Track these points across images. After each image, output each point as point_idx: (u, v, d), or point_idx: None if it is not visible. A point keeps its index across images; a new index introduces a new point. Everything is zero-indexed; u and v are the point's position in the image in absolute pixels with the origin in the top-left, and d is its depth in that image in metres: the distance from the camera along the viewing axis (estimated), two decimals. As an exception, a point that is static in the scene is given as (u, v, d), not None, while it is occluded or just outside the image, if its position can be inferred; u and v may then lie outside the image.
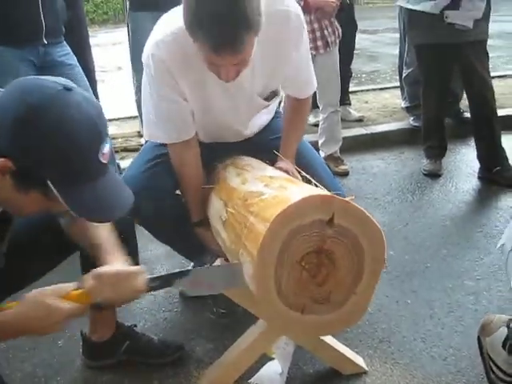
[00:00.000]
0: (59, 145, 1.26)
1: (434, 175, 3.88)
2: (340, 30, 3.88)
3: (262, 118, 2.33)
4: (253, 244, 1.52)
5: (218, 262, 1.98)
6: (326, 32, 3.75)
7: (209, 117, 2.11)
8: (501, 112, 4.12)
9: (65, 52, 3.00)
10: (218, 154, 2.23)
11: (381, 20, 11.81)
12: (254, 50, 1.91)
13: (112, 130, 4.66)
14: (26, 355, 2.22)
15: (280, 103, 2.79)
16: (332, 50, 3.83)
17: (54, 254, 1.82)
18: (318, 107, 4.17)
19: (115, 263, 1.56)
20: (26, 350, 2.25)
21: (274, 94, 2.15)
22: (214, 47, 1.65)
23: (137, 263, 1.99)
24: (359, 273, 1.60)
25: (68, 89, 1.30)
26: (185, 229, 2.22)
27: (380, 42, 9.46)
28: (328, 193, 1.58)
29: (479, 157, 3.85)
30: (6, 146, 1.25)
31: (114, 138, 4.38)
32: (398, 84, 5.45)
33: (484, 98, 3.70)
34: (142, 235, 3.02)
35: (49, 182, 1.29)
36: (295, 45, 2.01)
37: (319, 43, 3.75)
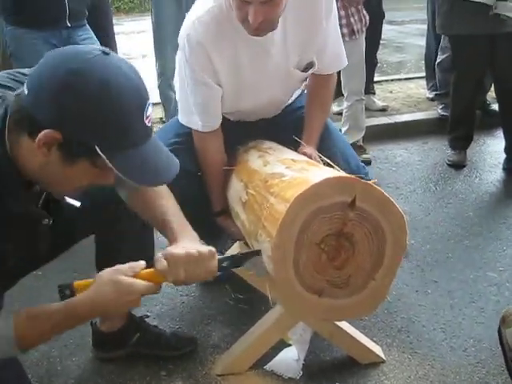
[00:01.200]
0: (106, 108, 1.21)
1: (458, 166, 3.82)
2: (367, 18, 3.80)
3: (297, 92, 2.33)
4: (272, 225, 1.50)
5: (236, 246, 1.97)
6: (352, 20, 3.67)
7: (245, 95, 2.10)
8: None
9: (87, 35, 3.01)
10: (239, 132, 2.22)
11: (407, 11, 11.63)
12: (287, 20, 1.92)
13: None
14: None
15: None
16: (358, 38, 3.75)
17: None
18: (342, 95, 4.12)
19: (186, 242, 1.51)
20: (43, 330, 2.26)
21: (310, 65, 2.11)
22: None
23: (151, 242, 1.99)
24: (380, 258, 1.57)
25: (106, 53, 1.26)
26: (204, 212, 2.19)
27: (406, 33, 9.32)
28: (350, 175, 1.55)
29: (506, 148, 3.78)
30: (49, 118, 1.21)
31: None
32: (423, 74, 5.38)
33: None
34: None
35: (97, 148, 1.24)
36: (326, 14, 1.99)
37: (345, 30, 3.67)
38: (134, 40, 8.82)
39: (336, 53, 2.18)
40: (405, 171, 3.79)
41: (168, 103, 3.96)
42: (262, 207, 1.63)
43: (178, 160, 1.41)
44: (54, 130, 1.21)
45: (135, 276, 1.42)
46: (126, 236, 1.82)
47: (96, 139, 1.23)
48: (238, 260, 1.63)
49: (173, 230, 1.55)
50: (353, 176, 1.53)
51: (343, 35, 3.65)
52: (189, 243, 1.50)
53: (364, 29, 3.80)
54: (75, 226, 1.75)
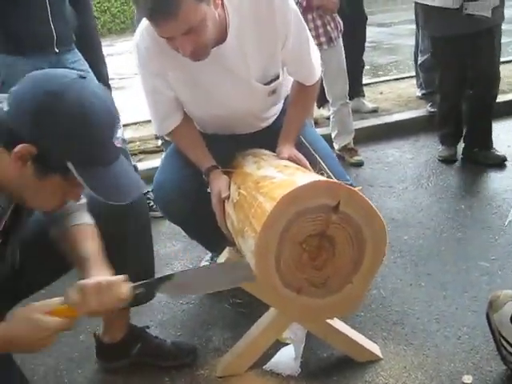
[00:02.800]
0: (80, 127, 1.30)
1: (449, 161, 3.88)
2: (341, 24, 3.87)
3: (277, 108, 2.37)
4: (258, 221, 1.57)
5: (225, 253, 2.02)
6: (328, 27, 3.75)
7: (213, 109, 2.16)
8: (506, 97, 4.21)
9: (76, 58, 3.07)
10: (232, 146, 2.28)
11: (397, 12, 11.74)
12: (246, 35, 1.95)
13: (130, 133, 4.76)
14: (49, 350, 2.29)
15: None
16: (336, 44, 3.84)
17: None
18: (328, 101, 4.18)
19: (99, 275, 1.55)
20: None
21: (275, 79, 2.14)
22: (149, 15, 1.72)
23: (152, 256, 2.05)
24: (358, 263, 1.64)
25: (82, 77, 1.36)
26: (209, 224, 2.20)
27: (396, 34, 9.43)
28: (337, 181, 1.62)
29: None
30: (27, 133, 1.29)
31: (131, 142, 4.47)
32: (413, 74, 5.45)
33: (489, 82, 3.69)
34: (160, 233, 3.14)
35: (70, 165, 1.33)
36: (283, 23, 1.99)
37: (322, 39, 3.75)
38: (127, 59, 8.91)
39: (309, 68, 2.20)
40: (397, 170, 3.85)
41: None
42: (251, 205, 1.69)
43: (142, 182, 1.52)
44: (31, 144, 1.30)
45: (50, 312, 1.43)
46: (127, 248, 1.88)
47: (69, 155, 1.33)
48: (151, 285, 1.61)
49: (87, 268, 1.59)
50: (339, 181, 1.60)
51: (322, 44, 3.74)
52: (100, 276, 1.54)
53: (340, 35, 3.87)
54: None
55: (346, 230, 1.57)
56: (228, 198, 2.01)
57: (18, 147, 1.29)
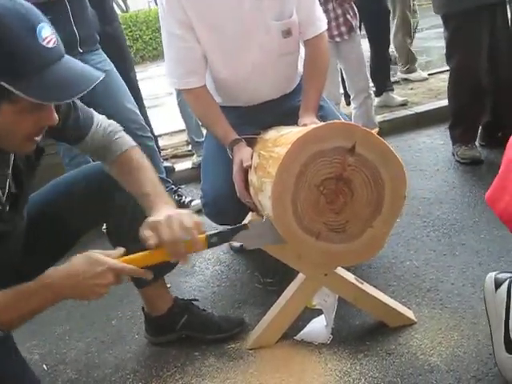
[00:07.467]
0: None
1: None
2: (357, 13, 3.81)
3: (294, 73, 2.40)
4: (274, 166, 1.55)
5: (248, 217, 2.00)
6: (348, 16, 3.70)
7: (234, 60, 2.20)
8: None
9: (101, 59, 3.13)
10: (250, 119, 2.28)
11: (425, 19, 11.63)
12: None
13: (163, 141, 4.94)
14: (81, 335, 2.31)
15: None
16: (355, 33, 3.79)
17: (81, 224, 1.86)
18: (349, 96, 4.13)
19: (163, 209, 1.55)
20: (81, 331, 2.34)
21: (288, 32, 2.18)
22: None
23: None
24: (378, 206, 1.61)
25: None
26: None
27: (425, 38, 9.37)
28: (352, 122, 1.60)
29: None
30: None
31: (164, 149, 4.57)
32: (442, 69, 5.39)
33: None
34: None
35: (4, 84, 1.23)
36: None
37: (343, 29, 3.68)
38: (160, 82, 9.08)
39: (313, 18, 2.23)
40: (428, 155, 3.77)
41: (189, 118, 4.04)
42: (269, 159, 1.68)
43: (99, 73, 1.39)
44: None
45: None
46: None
47: None
48: (225, 235, 1.67)
49: (151, 203, 1.60)
50: (354, 123, 1.58)
51: (342, 34, 3.72)
52: (166, 209, 1.55)
53: (357, 23, 3.84)
54: (70, 220, 1.79)
55: (363, 172, 1.55)
56: (250, 167, 2.00)
57: None
